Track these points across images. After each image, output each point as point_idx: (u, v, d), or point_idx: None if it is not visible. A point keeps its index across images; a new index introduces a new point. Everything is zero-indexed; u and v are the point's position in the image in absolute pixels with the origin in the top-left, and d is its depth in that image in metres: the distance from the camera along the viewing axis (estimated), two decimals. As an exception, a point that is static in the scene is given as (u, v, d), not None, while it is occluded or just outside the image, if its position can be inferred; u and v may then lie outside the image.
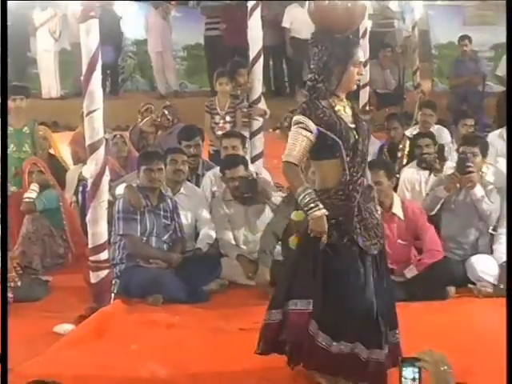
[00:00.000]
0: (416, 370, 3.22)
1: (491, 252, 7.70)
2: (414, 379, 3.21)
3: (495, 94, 13.14)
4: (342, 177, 5.21)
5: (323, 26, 5.39)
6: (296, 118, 5.25)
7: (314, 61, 5.33)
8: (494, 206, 7.72)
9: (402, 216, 7.49)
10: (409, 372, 3.22)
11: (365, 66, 12.38)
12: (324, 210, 5.10)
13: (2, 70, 7.31)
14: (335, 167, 5.23)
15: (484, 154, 8.05)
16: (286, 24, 15.93)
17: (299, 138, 5.17)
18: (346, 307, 5.20)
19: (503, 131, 10.23)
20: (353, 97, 13.84)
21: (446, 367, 3.20)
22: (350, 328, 5.21)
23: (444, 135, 10.07)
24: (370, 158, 9.10)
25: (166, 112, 11.12)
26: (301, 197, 5.14)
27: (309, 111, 5.19)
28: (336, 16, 5.30)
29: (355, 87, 5.52)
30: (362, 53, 5.52)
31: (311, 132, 5.15)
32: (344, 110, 5.34)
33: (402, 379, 3.23)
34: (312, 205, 5.10)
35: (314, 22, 5.50)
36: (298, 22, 15.77)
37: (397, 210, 7.50)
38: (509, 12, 6.02)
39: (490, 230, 7.86)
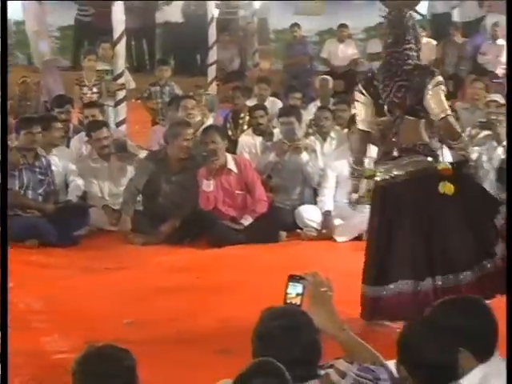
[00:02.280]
0: (299, 286, 3.14)
1: (315, 203, 7.82)
2: (297, 294, 3.13)
3: (319, 73, 13.33)
4: None
5: (396, 4, 5.30)
6: (437, 78, 5.12)
7: (412, 32, 5.19)
8: (316, 168, 7.85)
9: (235, 170, 7.54)
10: (292, 288, 3.14)
11: (212, 47, 12.46)
12: None
13: (2, 70, 6.83)
14: None
15: (299, 121, 8.16)
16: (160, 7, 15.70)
17: (444, 95, 5.14)
18: None
19: (318, 102, 10.43)
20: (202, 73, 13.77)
21: (326, 289, 3.16)
22: None
23: (277, 106, 10.12)
24: (218, 124, 9.26)
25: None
26: (464, 142, 5.21)
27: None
28: None
29: None
30: None
31: None
32: None
33: (287, 295, 3.14)
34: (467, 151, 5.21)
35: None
36: (170, 7, 15.59)
37: (231, 165, 7.55)
38: (509, 12, 5.73)
39: (314, 185, 7.99)
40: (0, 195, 6.50)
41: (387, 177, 5.20)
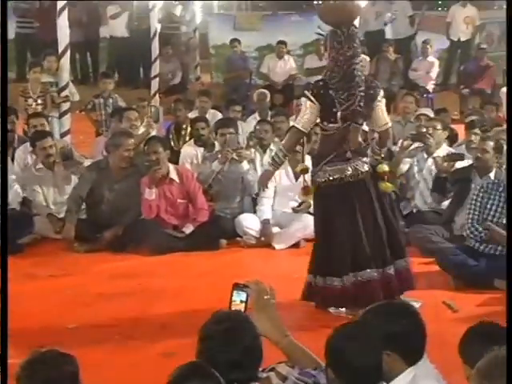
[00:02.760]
0: (243, 294, 3.18)
1: (254, 212, 7.82)
2: (241, 301, 3.17)
3: (259, 87, 13.38)
4: None
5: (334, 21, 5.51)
6: (382, 91, 5.55)
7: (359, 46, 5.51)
8: (256, 177, 7.87)
9: (177, 180, 7.52)
10: (237, 295, 3.19)
11: (155, 61, 12.42)
12: None
13: (2, 71, 6.52)
14: None
15: (237, 133, 8.24)
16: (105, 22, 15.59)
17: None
18: None
19: (256, 115, 10.47)
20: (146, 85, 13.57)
21: (268, 296, 3.20)
22: None
23: (218, 118, 10.11)
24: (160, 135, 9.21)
25: None
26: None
27: None
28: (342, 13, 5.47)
29: None
30: None
31: None
32: None
33: (232, 302, 3.19)
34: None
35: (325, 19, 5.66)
36: (116, 22, 15.48)
37: (173, 175, 7.52)
38: (509, 12, 5.57)
39: (253, 195, 8.00)
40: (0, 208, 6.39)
41: (336, 177, 5.49)
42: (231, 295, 3.22)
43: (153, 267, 6.88)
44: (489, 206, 6.34)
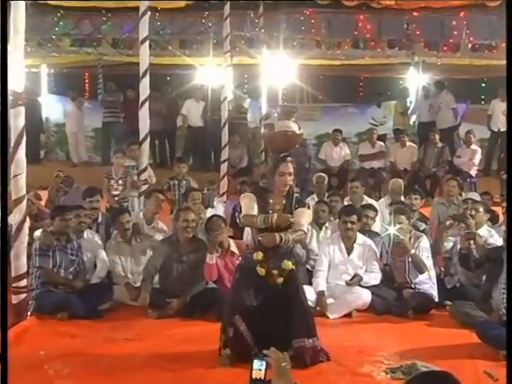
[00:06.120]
0: (263, 363, 3.26)
1: (310, 284, 7.74)
2: (260, 369, 3.25)
3: (317, 170, 13.42)
4: None
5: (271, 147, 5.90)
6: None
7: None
8: (302, 251, 7.86)
9: (237, 252, 7.60)
10: (257, 364, 3.27)
11: (224, 147, 12.58)
12: None
13: (2, 73, 6.61)
14: None
15: None
16: (184, 111, 15.80)
17: None
18: None
19: (315, 196, 10.45)
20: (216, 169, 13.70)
21: (285, 364, 3.26)
22: None
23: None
24: (225, 216, 9.27)
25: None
26: None
27: None
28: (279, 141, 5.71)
29: (284, 190, 5.72)
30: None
31: None
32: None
33: (253, 370, 3.26)
34: None
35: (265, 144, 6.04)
36: (192, 113, 15.79)
37: (233, 248, 7.66)
38: (509, 12, 5.36)
39: (309, 268, 7.98)
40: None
41: None
42: (251, 364, 3.28)
43: (218, 333, 6.84)
44: None
